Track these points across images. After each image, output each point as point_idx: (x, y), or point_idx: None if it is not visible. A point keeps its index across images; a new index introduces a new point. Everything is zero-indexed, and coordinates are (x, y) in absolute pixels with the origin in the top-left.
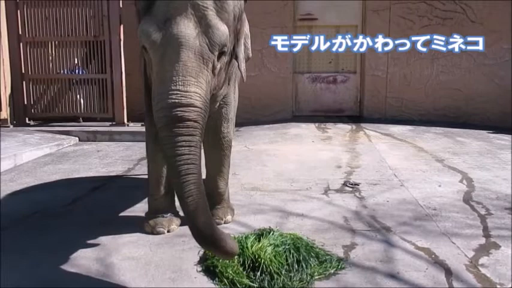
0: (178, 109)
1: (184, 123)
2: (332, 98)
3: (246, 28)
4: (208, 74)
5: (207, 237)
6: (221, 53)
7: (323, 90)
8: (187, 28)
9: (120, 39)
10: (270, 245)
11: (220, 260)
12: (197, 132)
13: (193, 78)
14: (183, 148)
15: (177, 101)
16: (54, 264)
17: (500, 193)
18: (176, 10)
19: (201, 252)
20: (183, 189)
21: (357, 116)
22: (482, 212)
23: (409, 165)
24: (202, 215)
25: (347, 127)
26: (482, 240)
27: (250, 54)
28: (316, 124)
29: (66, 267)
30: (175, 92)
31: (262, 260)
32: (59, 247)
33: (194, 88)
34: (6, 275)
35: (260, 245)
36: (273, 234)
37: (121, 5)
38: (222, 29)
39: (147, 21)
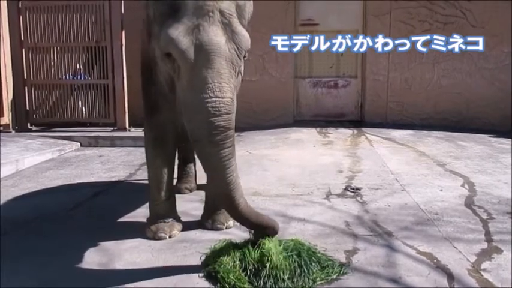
0: (221, 118)
1: (226, 134)
2: (333, 102)
3: None
4: (235, 80)
5: (262, 229)
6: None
7: (324, 94)
8: (217, 35)
9: (121, 45)
10: (275, 250)
11: (222, 266)
12: (234, 140)
13: (227, 84)
14: (229, 161)
15: (217, 109)
16: (55, 269)
17: (502, 197)
18: (204, 17)
19: (203, 258)
20: (233, 200)
21: (358, 120)
22: (484, 216)
23: (411, 170)
24: (253, 216)
25: (348, 132)
26: (484, 245)
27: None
28: (318, 129)
29: (68, 272)
30: (214, 99)
31: (269, 265)
32: (61, 252)
33: (229, 94)
34: (7, 280)
35: (266, 249)
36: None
37: (122, 11)
38: (246, 35)
39: (175, 28)
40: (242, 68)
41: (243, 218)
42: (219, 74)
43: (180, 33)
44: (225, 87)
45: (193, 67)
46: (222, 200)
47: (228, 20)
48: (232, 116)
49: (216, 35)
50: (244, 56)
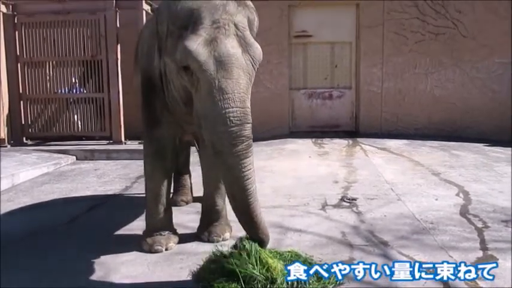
0: (242, 128)
1: (248, 144)
2: (328, 113)
3: None
4: (250, 90)
5: (262, 241)
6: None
7: (319, 106)
8: (233, 47)
9: (117, 59)
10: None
11: (216, 280)
12: (252, 148)
13: (246, 94)
14: (250, 171)
15: (238, 119)
16: (51, 283)
17: (497, 206)
18: (221, 30)
19: (195, 270)
20: (251, 208)
21: (353, 131)
22: (479, 225)
23: (406, 179)
24: (264, 228)
25: (343, 142)
26: (480, 253)
27: None
28: (313, 140)
29: (64, 286)
30: (235, 109)
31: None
32: (57, 266)
33: (248, 104)
34: None
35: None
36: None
37: (118, 25)
38: (259, 47)
39: (193, 40)
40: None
41: (257, 230)
42: (238, 84)
43: (199, 45)
44: (244, 97)
45: (213, 78)
46: (240, 210)
47: (242, 32)
48: (250, 126)
49: (232, 47)
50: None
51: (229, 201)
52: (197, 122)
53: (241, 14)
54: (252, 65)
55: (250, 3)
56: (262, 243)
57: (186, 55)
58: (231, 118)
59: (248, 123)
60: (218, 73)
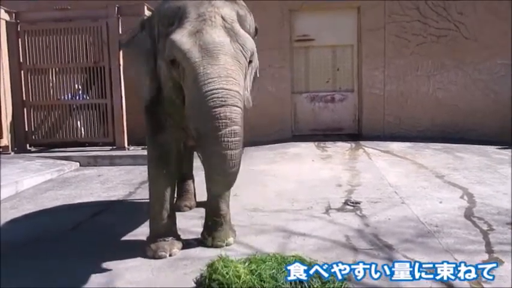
0: (227, 109)
1: (232, 129)
2: (330, 116)
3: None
4: (244, 80)
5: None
6: (249, 62)
7: (321, 109)
8: (220, 36)
9: (119, 65)
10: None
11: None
12: (241, 143)
13: (234, 79)
14: (234, 161)
15: (223, 99)
16: None
17: (502, 208)
18: (207, 22)
19: (198, 277)
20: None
21: (355, 134)
22: (484, 227)
23: (410, 182)
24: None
25: (346, 145)
26: (485, 256)
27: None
28: (316, 143)
29: None
30: (219, 90)
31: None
32: (61, 273)
33: (237, 88)
34: None
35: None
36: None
37: (120, 32)
38: (250, 38)
39: (177, 33)
40: (247, 92)
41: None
42: (225, 69)
43: (183, 36)
44: (232, 81)
45: (198, 66)
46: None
47: (230, 24)
48: (239, 110)
49: (218, 36)
50: (251, 61)
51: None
52: (187, 113)
53: (228, 8)
54: (243, 54)
55: (241, 1)
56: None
57: (171, 47)
58: (215, 99)
59: (235, 106)
60: (204, 60)
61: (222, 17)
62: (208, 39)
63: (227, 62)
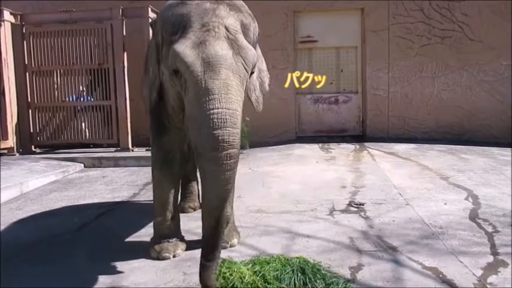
0: (225, 132)
1: (229, 152)
2: (334, 118)
3: (261, 63)
4: (243, 94)
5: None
6: (250, 74)
7: (325, 110)
8: (223, 49)
9: (124, 67)
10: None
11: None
12: (237, 163)
13: (234, 96)
14: (228, 183)
15: (222, 121)
16: None
17: (507, 210)
18: (210, 32)
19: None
20: (219, 217)
21: (360, 135)
22: (489, 229)
23: (414, 184)
24: (219, 241)
25: (350, 147)
26: (490, 258)
27: (267, 88)
28: (320, 144)
29: None
30: (219, 110)
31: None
32: (66, 274)
33: (236, 106)
34: None
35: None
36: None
37: (124, 33)
38: (252, 50)
39: (181, 43)
40: (254, 95)
41: (213, 239)
42: (226, 85)
43: (186, 47)
44: (232, 99)
45: (200, 79)
46: (208, 213)
47: (234, 35)
48: (237, 132)
49: (222, 49)
50: (252, 72)
51: (201, 200)
52: (186, 124)
53: (233, 18)
54: (245, 68)
55: (245, 8)
56: (207, 254)
57: (174, 58)
58: (215, 120)
59: (234, 128)
60: (205, 74)
61: (226, 28)
62: (211, 51)
63: (228, 77)
